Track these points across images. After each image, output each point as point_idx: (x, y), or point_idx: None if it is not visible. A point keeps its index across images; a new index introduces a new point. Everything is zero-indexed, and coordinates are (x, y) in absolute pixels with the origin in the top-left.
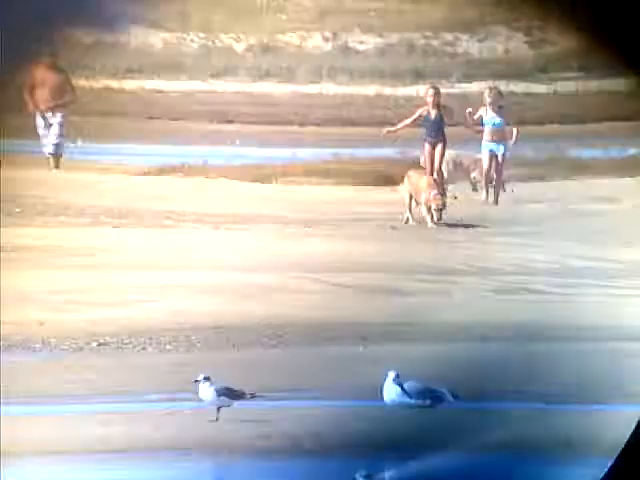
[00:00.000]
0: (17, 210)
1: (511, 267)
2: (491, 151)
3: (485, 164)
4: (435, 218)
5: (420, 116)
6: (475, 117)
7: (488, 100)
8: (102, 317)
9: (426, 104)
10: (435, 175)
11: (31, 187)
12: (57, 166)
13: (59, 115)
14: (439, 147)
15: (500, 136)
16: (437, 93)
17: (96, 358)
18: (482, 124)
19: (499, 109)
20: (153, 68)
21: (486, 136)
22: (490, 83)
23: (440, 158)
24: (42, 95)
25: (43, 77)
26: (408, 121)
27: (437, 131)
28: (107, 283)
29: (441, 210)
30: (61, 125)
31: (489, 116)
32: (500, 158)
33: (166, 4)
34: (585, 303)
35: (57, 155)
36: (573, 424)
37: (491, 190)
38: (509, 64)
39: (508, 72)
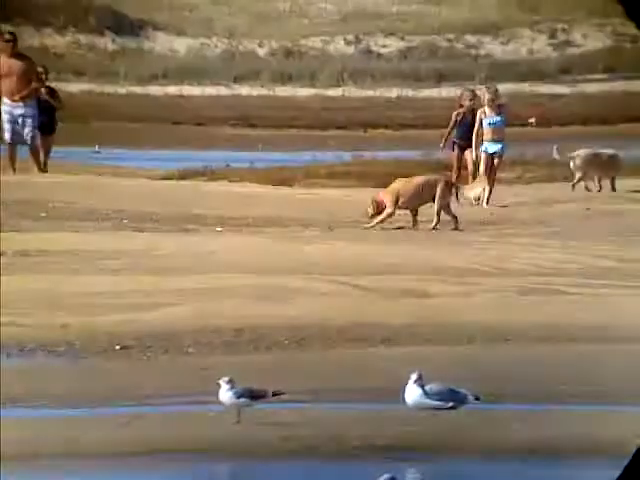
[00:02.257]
0: (42, 215)
1: (533, 268)
2: (489, 151)
3: (483, 164)
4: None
5: (456, 122)
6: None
7: (486, 99)
8: (124, 320)
9: (460, 107)
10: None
11: (56, 192)
12: (41, 168)
13: (30, 106)
14: (469, 150)
15: (500, 135)
16: (474, 97)
17: (118, 361)
18: (482, 125)
19: (499, 108)
20: (177, 73)
21: (486, 135)
22: (514, 85)
23: (471, 161)
24: (9, 85)
25: (7, 66)
26: (450, 129)
27: (469, 134)
28: (129, 286)
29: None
30: (33, 117)
31: (488, 115)
32: (497, 158)
33: (190, 10)
34: (608, 304)
35: (33, 149)
36: (596, 425)
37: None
38: (533, 66)
39: (532, 74)
